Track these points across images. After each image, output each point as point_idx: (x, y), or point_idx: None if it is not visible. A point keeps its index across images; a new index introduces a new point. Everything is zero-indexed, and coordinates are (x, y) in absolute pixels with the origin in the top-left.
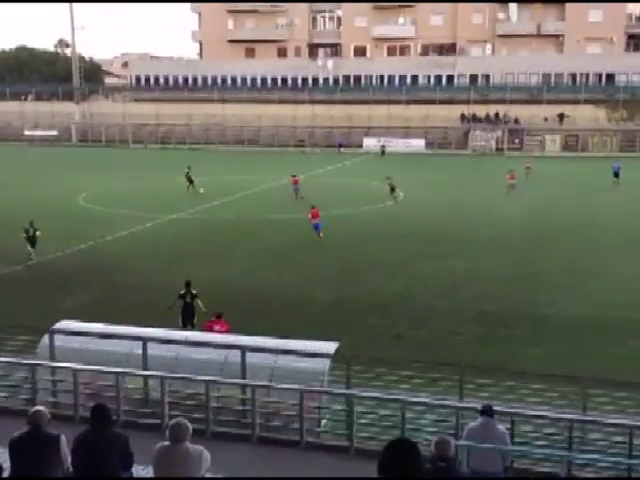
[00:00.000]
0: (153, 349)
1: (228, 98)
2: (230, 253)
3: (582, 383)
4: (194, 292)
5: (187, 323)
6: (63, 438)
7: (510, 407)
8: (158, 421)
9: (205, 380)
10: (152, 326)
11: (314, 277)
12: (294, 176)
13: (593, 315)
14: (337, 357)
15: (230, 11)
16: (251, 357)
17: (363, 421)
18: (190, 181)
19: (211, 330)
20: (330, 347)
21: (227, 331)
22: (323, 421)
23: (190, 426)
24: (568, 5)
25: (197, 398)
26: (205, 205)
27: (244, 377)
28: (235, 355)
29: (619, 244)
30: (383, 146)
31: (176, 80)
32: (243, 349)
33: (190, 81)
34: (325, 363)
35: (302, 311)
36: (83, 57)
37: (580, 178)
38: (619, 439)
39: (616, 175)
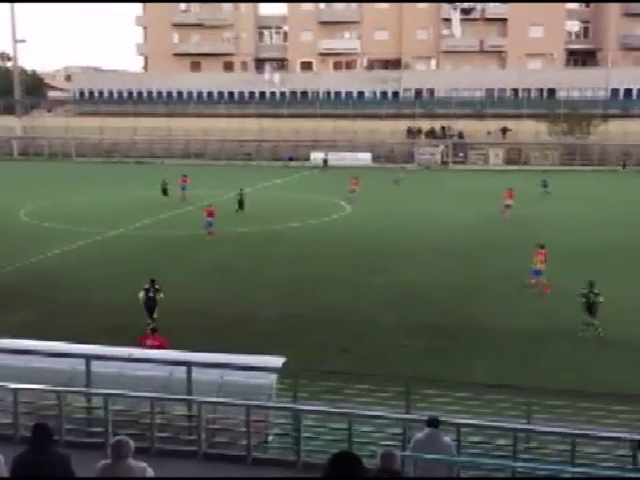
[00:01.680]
0: (96, 367)
1: (174, 112)
2: (174, 268)
3: (526, 393)
4: (157, 287)
5: (150, 314)
6: (1, 458)
7: (455, 418)
8: (102, 440)
9: (150, 397)
10: (95, 343)
11: (260, 292)
12: (185, 176)
13: (534, 326)
14: (284, 371)
15: (175, 25)
16: (197, 373)
17: (310, 435)
18: (165, 192)
19: (145, 345)
20: (277, 361)
21: (162, 346)
22: (270, 436)
23: (132, 443)
24: (510, 22)
25: (142, 415)
26: (149, 220)
27: (190, 393)
28: (181, 371)
29: (565, 257)
30: (325, 159)
31: (120, 94)
32: (189, 365)
33: (135, 95)
34: (272, 378)
35: (248, 326)
36: (25, 70)
37: (523, 191)
38: (562, 447)
39: (544, 186)
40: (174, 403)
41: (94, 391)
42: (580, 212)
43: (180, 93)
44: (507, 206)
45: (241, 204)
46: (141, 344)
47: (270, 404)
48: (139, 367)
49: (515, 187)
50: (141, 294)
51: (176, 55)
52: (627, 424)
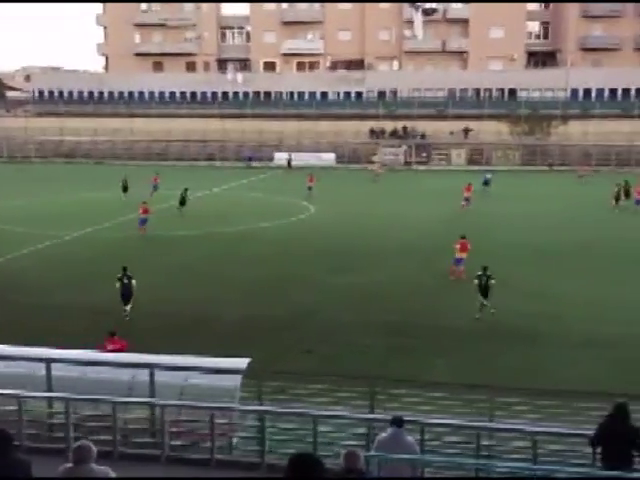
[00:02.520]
0: (58, 370)
1: (136, 112)
2: (138, 270)
3: (488, 391)
4: (129, 274)
5: (126, 301)
6: None
7: (419, 417)
8: (63, 445)
9: (112, 401)
10: (56, 347)
11: (224, 292)
12: (157, 174)
13: (496, 325)
14: (248, 373)
15: (137, 25)
16: (160, 376)
17: (275, 436)
18: (125, 190)
19: (104, 349)
20: (241, 363)
21: (122, 349)
22: (234, 438)
23: (94, 447)
24: (471, 23)
25: (104, 419)
26: (112, 222)
27: (153, 396)
28: (144, 374)
29: (521, 256)
30: (289, 159)
31: (81, 94)
32: (151, 368)
33: (96, 95)
34: (236, 380)
35: (212, 327)
36: None
37: (486, 190)
38: (523, 445)
39: (486, 183)
40: (137, 406)
41: (55, 395)
42: (539, 211)
43: (142, 93)
44: (466, 199)
45: (182, 202)
46: (102, 348)
47: (234, 406)
48: (101, 371)
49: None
50: (117, 284)
51: (138, 55)
52: (589, 420)
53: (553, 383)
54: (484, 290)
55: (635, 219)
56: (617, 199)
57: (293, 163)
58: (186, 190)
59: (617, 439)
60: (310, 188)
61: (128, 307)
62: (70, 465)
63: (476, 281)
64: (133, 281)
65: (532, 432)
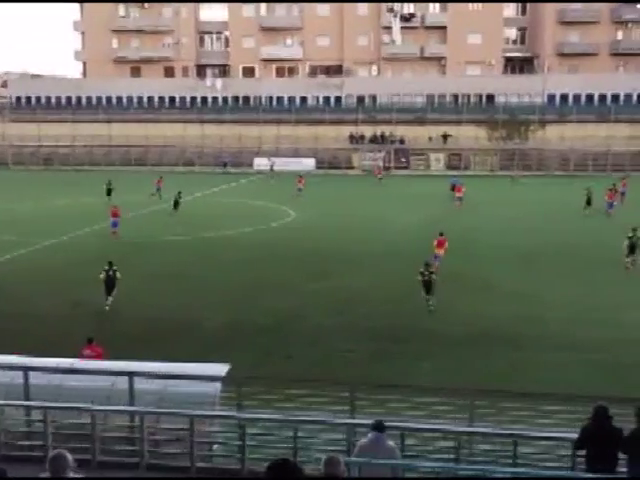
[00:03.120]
0: (36, 379)
1: (114, 118)
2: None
3: (469, 395)
4: (115, 268)
5: (109, 292)
6: None
7: (401, 421)
8: (41, 454)
9: (90, 409)
10: (34, 354)
11: (205, 299)
12: (160, 177)
13: (479, 328)
14: (228, 379)
15: (115, 30)
16: (140, 383)
17: (255, 443)
18: (109, 193)
19: (81, 356)
20: (221, 369)
21: (99, 356)
22: (215, 445)
23: (70, 456)
24: (449, 29)
25: (83, 427)
26: (93, 227)
27: (132, 404)
28: (123, 382)
29: (502, 258)
30: (272, 165)
31: (59, 100)
32: (130, 375)
33: (74, 101)
34: (216, 386)
35: (193, 334)
36: None
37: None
38: (505, 449)
39: (453, 189)
40: (116, 414)
41: (32, 404)
42: (517, 214)
43: (120, 99)
44: (459, 199)
45: (176, 205)
46: (78, 355)
47: (214, 413)
48: (80, 378)
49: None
50: (102, 275)
51: (116, 61)
52: (568, 424)
53: (535, 386)
54: (428, 286)
55: (609, 222)
56: (588, 203)
57: (274, 168)
58: (179, 193)
59: (601, 441)
60: (300, 190)
61: (110, 299)
62: (47, 474)
63: (419, 277)
64: (117, 274)
65: (512, 435)
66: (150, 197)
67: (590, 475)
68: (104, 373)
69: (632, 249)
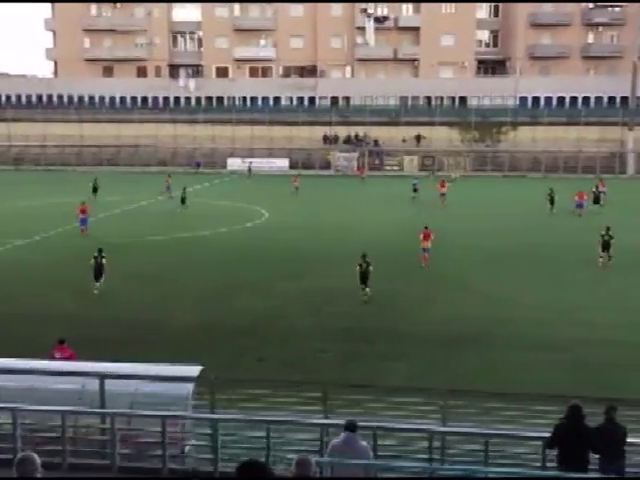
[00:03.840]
0: (5, 381)
1: (86, 118)
2: (88, 279)
3: (443, 395)
4: (103, 255)
5: (97, 278)
6: None
7: (374, 421)
8: (10, 456)
9: (61, 410)
10: (3, 356)
11: (178, 300)
12: (169, 176)
13: (453, 329)
14: (201, 380)
15: (86, 30)
16: (110, 385)
17: (228, 444)
18: (95, 191)
19: (52, 357)
20: (193, 370)
21: (70, 358)
22: (187, 446)
23: (37, 459)
24: (422, 31)
25: (53, 430)
26: (62, 228)
27: (103, 406)
28: (94, 383)
29: (475, 259)
30: (250, 166)
31: (29, 99)
32: (102, 377)
33: (45, 100)
34: (188, 387)
35: (165, 335)
36: None
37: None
38: (478, 448)
39: (414, 190)
40: (87, 416)
41: (1, 405)
42: (489, 215)
43: (92, 98)
44: (442, 194)
45: (183, 201)
46: (49, 357)
47: (186, 414)
48: (50, 380)
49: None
50: (91, 261)
51: (87, 60)
52: (540, 423)
53: (508, 386)
54: (364, 276)
55: (580, 222)
56: (551, 203)
57: (247, 169)
58: (185, 189)
59: (573, 440)
60: (297, 188)
61: (98, 283)
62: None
63: (357, 268)
64: (104, 260)
65: (485, 434)
66: (163, 196)
67: (575, 475)
68: (75, 375)
69: (605, 247)
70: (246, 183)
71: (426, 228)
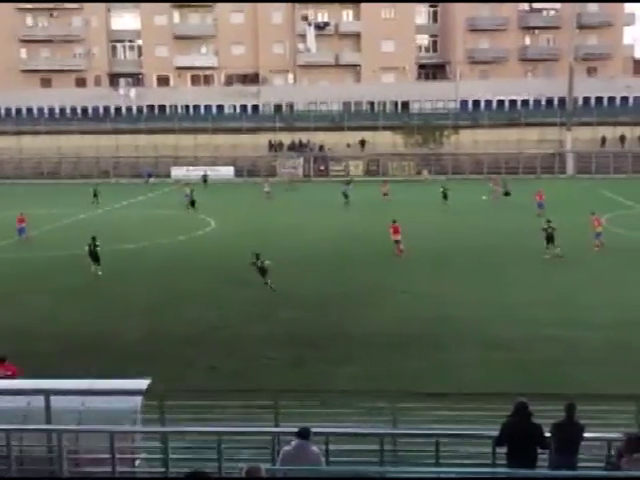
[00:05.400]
0: None
1: (24, 130)
2: (28, 294)
3: (392, 398)
4: (97, 243)
5: (95, 261)
6: None
7: (325, 427)
8: None
9: (5, 429)
10: None
11: (123, 312)
12: (186, 184)
13: (401, 331)
14: (149, 394)
15: (23, 40)
16: (56, 401)
17: (179, 456)
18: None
19: None
20: (141, 384)
21: (13, 375)
22: (137, 461)
23: None
24: (363, 37)
25: None
26: (6, 242)
27: (49, 423)
28: (39, 400)
29: (421, 261)
30: (205, 175)
31: None
32: (47, 393)
33: None
34: (136, 401)
35: (111, 349)
36: None
37: (383, 201)
38: (428, 449)
39: (345, 196)
40: (33, 434)
41: None
42: (434, 217)
43: (30, 110)
44: (385, 194)
45: (193, 203)
46: None
47: (134, 428)
48: None
49: (369, 198)
50: (86, 248)
51: (24, 71)
52: (489, 421)
53: (455, 386)
54: (262, 272)
55: (522, 222)
56: (444, 198)
57: (185, 176)
58: (192, 191)
59: (521, 438)
60: (268, 192)
61: (95, 267)
62: None
63: (253, 267)
64: (98, 248)
65: (435, 435)
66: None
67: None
68: (19, 393)
69: (549, 239)
70: (200, 192)
71: (394, 222)
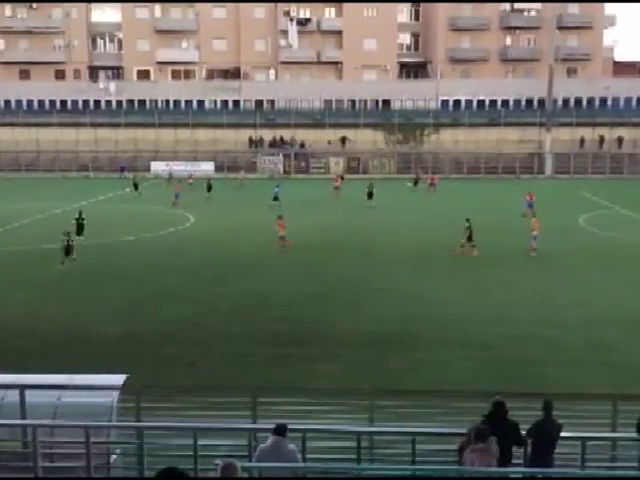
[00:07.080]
0: None
1: (2, 122)
2: (7, 287)
3: (369, 396)
4: (83, 217)
5: (79, 233)
6: None
7: (302, 424)
8: None
9: None
10: None
11: (101, 308)
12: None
13: (379, 330)
14: (127, 389)
15: (1, 32)
16: (32, 396)
17: (154, 452)
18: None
19: None
20: (118, 379)
21: None
22: (113, 456)
23: None
24: (345, 34)
25: None
26: None
27: (24, 417)
28: (14, 395)
29: (400, 260)
30: (170, 172)
31: None
32: (21, 388)
33: None
34: (113, 396)
35: (89, 346)
36: None
37: (363, 199)
38: (404, 447)
39: (275, 199)
40: (7, 429)
41: None
42: (415, 216)
43: (8, 103)
44: (336, 188)
45: (209, 188)
46: None
47: (110, 424)
48: None
49: (350, 195)
50: (73, 221)
51: (3, 63)
52: (467, 420)
53: (434, 384)
54: (67, 250)
55: (501, 223)
56: (370, 197)
57: (168, 172)
58: (209, 179)
59: (497, 435)
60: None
61: (82, 237)
62: None
63: (60, 244)
64: (84, 222)
65: (412, 433)
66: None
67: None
68: None
69: (470, 237)
70: (170, 188)
71: (280, 217)
